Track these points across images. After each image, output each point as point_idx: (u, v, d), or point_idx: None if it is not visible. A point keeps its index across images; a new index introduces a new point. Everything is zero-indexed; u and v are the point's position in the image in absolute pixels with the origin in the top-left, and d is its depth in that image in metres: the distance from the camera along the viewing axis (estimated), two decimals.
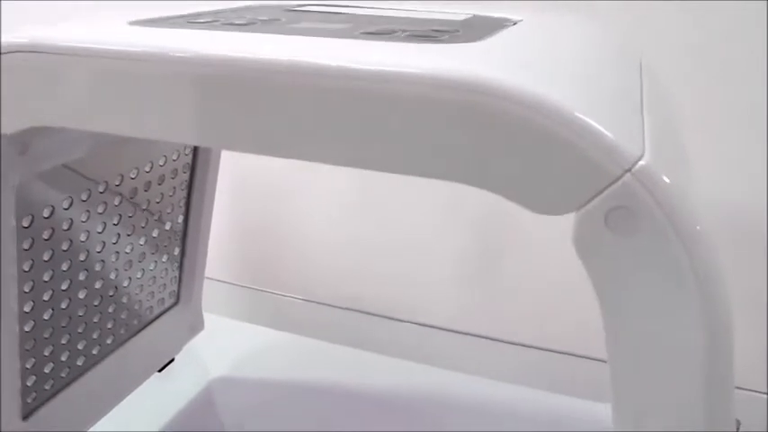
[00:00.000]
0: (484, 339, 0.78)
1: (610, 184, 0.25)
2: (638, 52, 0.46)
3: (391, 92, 0.27)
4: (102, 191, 0.50)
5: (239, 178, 0.91)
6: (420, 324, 0.80)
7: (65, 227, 0.48)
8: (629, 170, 0.25)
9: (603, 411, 0.33)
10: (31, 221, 0.45)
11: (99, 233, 0.51)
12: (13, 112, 0.36)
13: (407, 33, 0.35)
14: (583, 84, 0.31)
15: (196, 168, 0.59)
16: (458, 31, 0.36)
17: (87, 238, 0.50)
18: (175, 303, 0.65)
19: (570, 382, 0.74)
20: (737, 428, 0.57)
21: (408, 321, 0.80)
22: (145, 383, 0.64)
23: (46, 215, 0.46)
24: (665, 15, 0.67)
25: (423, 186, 0.81)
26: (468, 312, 0.83)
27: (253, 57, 0.30)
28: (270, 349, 0.77)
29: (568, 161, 0.26)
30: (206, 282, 0.71)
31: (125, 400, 0.61)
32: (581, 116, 0.25)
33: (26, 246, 0.45)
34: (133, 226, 0.55)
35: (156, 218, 0.57)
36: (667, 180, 0.25)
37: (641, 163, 0.25)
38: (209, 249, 0.68)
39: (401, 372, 0.72)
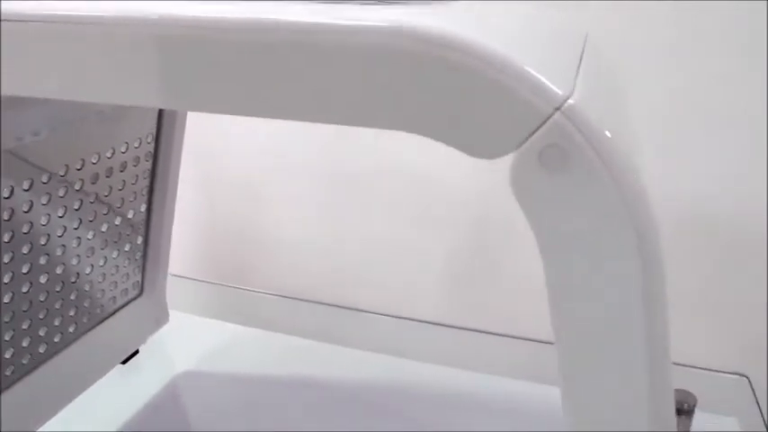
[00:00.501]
0: (462, 331, 0.79)
1: (542, 124, 0.27)
2: (585, 30, 0.47)
3: (341, 43, 0.29)
4: (63, 174, 0.50)
5: (208, 175, 0.91)
6: (398, 317, 0.80)
7: (25, 208, 0.48)
8: (558, 108, 0.26)
9: None
10: None
11: (60, 217, 0.52)
12: None
13: (359, 2, 0.36)
14: (517, 37, 0.32)
15: (158, 157, 0.60)
16: (408, 0, 0.38)
17: (48, 222, 0.50)
18: (139, 294, 0.65)
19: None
20: (694, 404, 0.59)
21: (385, 315, 0.81)
22: (109, 376, 0.64)
23: (6, 195, 0.46)
24: (656, 15, 0.68)
25: (406, 188, 0.83)
26: (449, 306, 0.84)
27: (214, 16, 0.31)
28: (237, 345, 0.77)
29: (502, 103, 0.27)
30: (172, 279, 0.71)
31: (88, 394, 0.61)
32: (512, 58, 0.27)
33: None
34: (95, 212, 0.55)
35: (118, 205, 0.58)
36: (595, 118, 0.27)
37: (570, 102, 0.27)
38: (177, 247, 0.69)
39: (373, 365, 0.73)
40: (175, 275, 0.71)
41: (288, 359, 0.75)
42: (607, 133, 0.27)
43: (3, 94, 0.36)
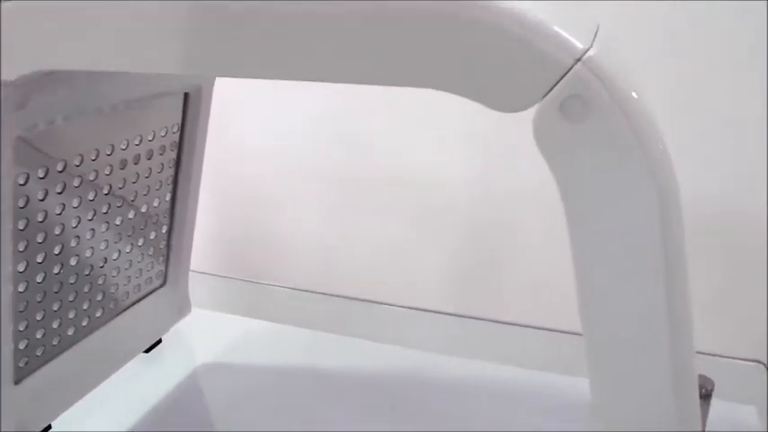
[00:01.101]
0: (477, 321, 0.79)
1: (563, 75, 0.28)
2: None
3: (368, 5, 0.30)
4: (93, 158, 0.52)
5: (218, 180, 0.93)
6: (414, 309, 0.81)
7: (59, 190, 0.50)
8: (578, 59, 0.28)
9: None
10: (26, 180, 0.47)
11: (90, 201, 0.53)
12: (13, 58, 0.38)
13: None
14: (534, 5, 0.34)
15: (183, 147, 0.62)
16: None
17: (79, 205, 0.52)
18: (163, 284, 0.67)
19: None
20: (711, 389, 0.60)
21: (402, 306, 0.82)
22: (132, 367, 0.65)
23: (41, 175, 0.48)
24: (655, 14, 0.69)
25: (412, 190, 0.84)
26: (458, 306, 0.85)
27: None
28: (255, 339, 0.78)
29: (524, 57, 0.29)
30: (190, 275, 0.72)
31: (112, 383, 0.62)
32: (532, 13, 0.28)
33: (21, 204, 0.47)
34: (122, 198, 0.57)
35: (144, 193, 0.59)
36: (614, 70, 0.28)
37: (590, 53, 0.28)
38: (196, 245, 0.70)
39: (390, 356, 0.74)
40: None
41: (305, 352, 0.76)
42: (626, 84, 0.29)
43: (34, 69, 0.38)
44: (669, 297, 0.31)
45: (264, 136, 0.90)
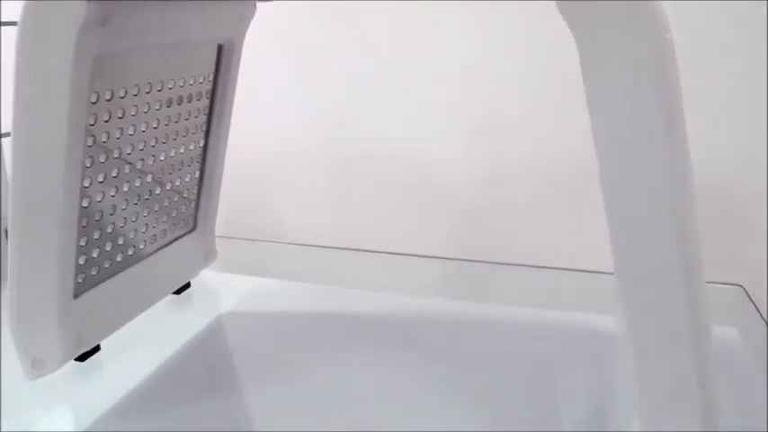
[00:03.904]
0: (482, 264, 0.85)
1: None
2: None
3: None
4: (148, 91, 0.58)
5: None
6: (413, 255, 0.87)
7: (119, 115, 0.55)
8: None
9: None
10: (97, 99, 0.52)
11: (143, 132, 0.59)
12: None
13: None
14: None
15: (215, 97, 0.68)
16: None
17: (134, 132, 0.58)
18: (193, 228, 0.72)
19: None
20: None
21: (406, 254, 0.87)
22: (161, 310, 0.70)
23: (107, 98, 0.53)
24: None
25: (404, 172, 0.91)
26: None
27: None
28: (271, 294, 0.83)
29: None
30: None
31: (144, 322, 0.67)
32: None
33: (91, 121, 0.53)
34: (167, 135, 0.63)
35: (183, 134, 0.65)
36: None
37: None
38: None
39: (388, 303, 0.79)
40: None
41: (320, 304, 0.81)
42: None
43: None
44: (674, 169, 0.38)
45: (264, 121, 0.95)
